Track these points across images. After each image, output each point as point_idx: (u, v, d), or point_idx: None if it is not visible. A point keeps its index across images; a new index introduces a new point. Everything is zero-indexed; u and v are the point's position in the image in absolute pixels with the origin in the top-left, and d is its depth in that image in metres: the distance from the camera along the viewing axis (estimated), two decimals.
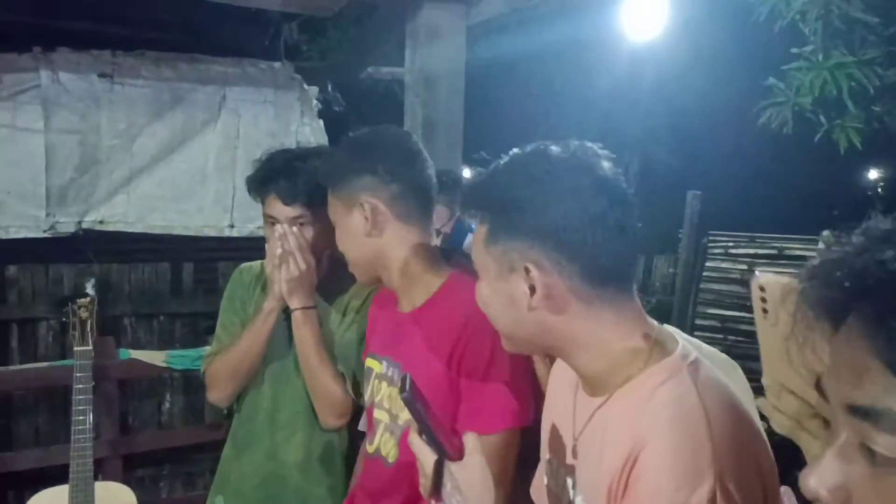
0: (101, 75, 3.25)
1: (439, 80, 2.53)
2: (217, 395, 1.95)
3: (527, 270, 1.00)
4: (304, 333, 1.80)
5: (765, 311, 0.94)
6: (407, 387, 1.03)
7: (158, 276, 3.86)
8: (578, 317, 1.01)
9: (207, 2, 2.73)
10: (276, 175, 1.76)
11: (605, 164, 1.02)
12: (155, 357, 3.18)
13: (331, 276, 1.89)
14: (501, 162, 1.07)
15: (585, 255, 0.99)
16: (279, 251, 1.75)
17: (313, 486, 1.90)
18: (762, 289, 0.93)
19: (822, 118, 2.66)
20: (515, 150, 1.07)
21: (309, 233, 1.78)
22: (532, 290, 1.00)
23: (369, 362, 1.61)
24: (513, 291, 1.02)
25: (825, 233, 4.15)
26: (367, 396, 1.60)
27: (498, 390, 1.33)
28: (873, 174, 9.40)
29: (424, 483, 1.08)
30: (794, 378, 0.91)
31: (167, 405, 3.86)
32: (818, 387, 0.57)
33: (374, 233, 1.48)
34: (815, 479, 0.54)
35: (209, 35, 3.55)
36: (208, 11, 3.01)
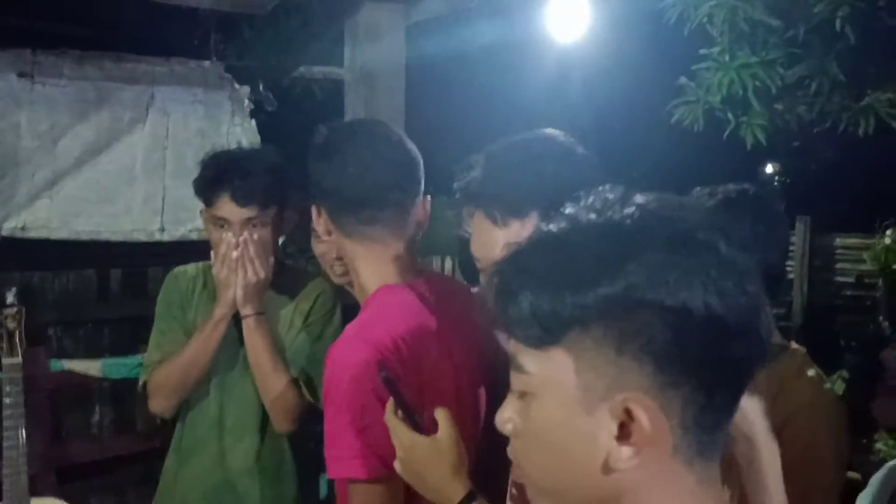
0: (21, 74, 3.09)
1: (380, 79, 2.54)
2: (161, 404, 1.90)
3: None
4: (256, 339, 1.78)
5: None
6: (384, 369, 1.12)
7: (84, 282, 3.72)
8: None
9: None
10: (228, 175, 1.74)
11: None
12: (90, 367, 3.07)
13: (275, 280, 1.89)
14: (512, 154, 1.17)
15: None
16: (235, 255, 1.73)
17: (262, 492, 1.89)
18: None
19: (729, 116, 2.79)
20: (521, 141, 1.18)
21: (262, 234, 1.77)
22: None
23: None
24: None
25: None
26: None
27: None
28: (769, 168, 9.93)
29: (401, 455, 1.12)
30: None
31: (97, 416, 3.73)
32: None
33: (326, 235, 1.41)
34: (497, 416, 0.73)
35: (136, 33, 3.44)
36: (135, 9, 2.92)
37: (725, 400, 0.65)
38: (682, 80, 2.90)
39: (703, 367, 0.63)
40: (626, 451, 0.63)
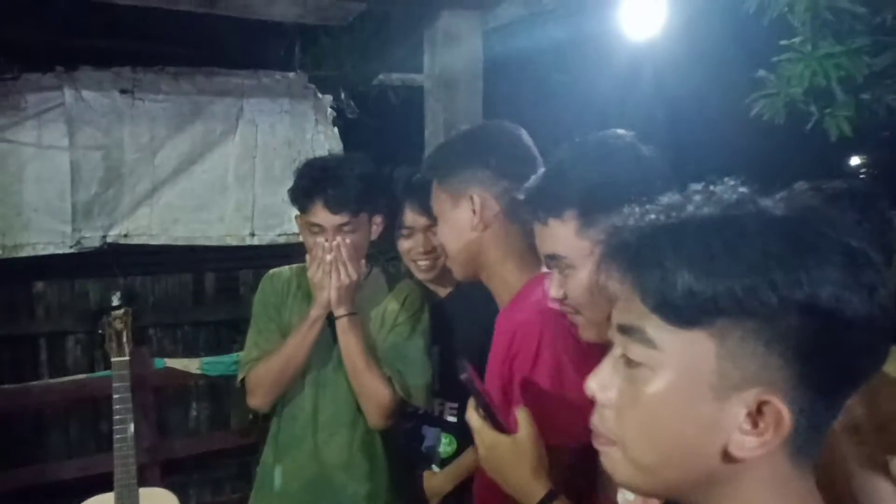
0: (123, 91, 3.31)
1: (458, 85, 2.58)
2: (259, 400, 1.96)
3: None
4: (350, 339, 1.85)
5: None
6: (466, 370, 1.14)
7: (181, 286, 3.93)
8: None
9: (223, 16, 2.78)
10: (322, 184, 1.81)
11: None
12: (190, 365, 3.24)
13: (367, 282, 1.96)
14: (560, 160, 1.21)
15: None
16: (329, 259, 1.81)
17: (357, 486, 1.95)
18: None
19: (812, 108, 2.70)
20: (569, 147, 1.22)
21: (354, 238, 1.84)
22: None
23: None
24: None
25: None
26: None
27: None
28: (855, 160, 9.49)
29: (483, 454, 1.17)
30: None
31: (194, 412, 3.93)
32: (609, 319, 0.74)
33: (479, 227, 1.44)
34: (592, 381, 0.73)
35: (225, 48, 3.59)
36: (224, 25, 3.07)
37: (841, 401, 0.66)
38: (762, 72, 2.82)
39: (841, 372, 0.64)
40: (751, 440, 0.64)
